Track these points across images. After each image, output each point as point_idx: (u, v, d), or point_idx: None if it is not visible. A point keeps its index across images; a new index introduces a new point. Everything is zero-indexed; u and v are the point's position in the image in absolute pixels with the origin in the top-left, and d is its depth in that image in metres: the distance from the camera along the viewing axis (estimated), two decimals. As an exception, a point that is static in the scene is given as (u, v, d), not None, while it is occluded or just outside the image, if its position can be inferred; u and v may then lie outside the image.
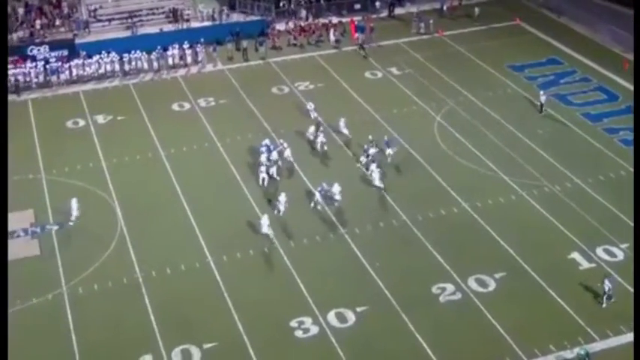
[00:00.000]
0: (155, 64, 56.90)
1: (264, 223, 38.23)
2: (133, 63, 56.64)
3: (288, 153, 44.15)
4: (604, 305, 33.67)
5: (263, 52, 58.36)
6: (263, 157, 43.13)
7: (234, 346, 32.29)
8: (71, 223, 39.76)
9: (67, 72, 55.44)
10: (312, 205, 40.55)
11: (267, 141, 44.76)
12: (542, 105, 49.12)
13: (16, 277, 36.16)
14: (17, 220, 40.02)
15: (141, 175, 44.02)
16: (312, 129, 46.86)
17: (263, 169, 42.67)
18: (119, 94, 53.95)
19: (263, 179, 42.40)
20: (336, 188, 40.53)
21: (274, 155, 43.47)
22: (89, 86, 54.79)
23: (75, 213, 40.13)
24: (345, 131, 47.05)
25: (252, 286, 35.63)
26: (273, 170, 42.84)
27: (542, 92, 50.03)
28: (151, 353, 31.92)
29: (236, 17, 63.54)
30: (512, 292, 34.87)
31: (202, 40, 58.51)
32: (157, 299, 34.89)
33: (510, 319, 33.13)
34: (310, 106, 49.26)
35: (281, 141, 45.11)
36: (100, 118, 50.43)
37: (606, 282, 33.61)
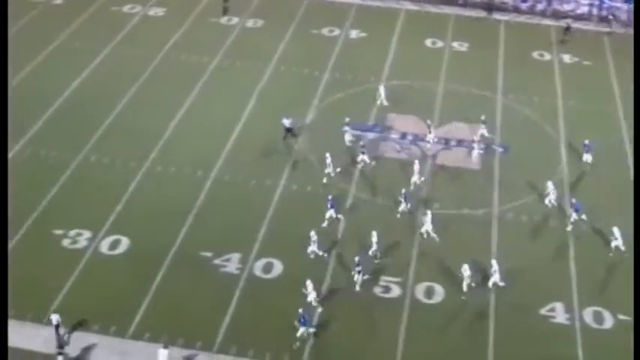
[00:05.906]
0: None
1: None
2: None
3: None
4: None
5: None
6: None
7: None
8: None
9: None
10: None
11: None
12: None
13: (455, 184, 37.94)
14: (468, 131, 41.44)
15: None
16: None
17: None
18: (590, 37, 52.53)
19: None
20: None
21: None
22: (561, 23, 53.72)
23: None
24: None
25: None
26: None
27: None
28: (563, 302, 31.63)
29: None
30: None
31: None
32: (581, 257, 34.17)
33: None
34: None
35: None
36: (567, 58, 49.68)
37: None
